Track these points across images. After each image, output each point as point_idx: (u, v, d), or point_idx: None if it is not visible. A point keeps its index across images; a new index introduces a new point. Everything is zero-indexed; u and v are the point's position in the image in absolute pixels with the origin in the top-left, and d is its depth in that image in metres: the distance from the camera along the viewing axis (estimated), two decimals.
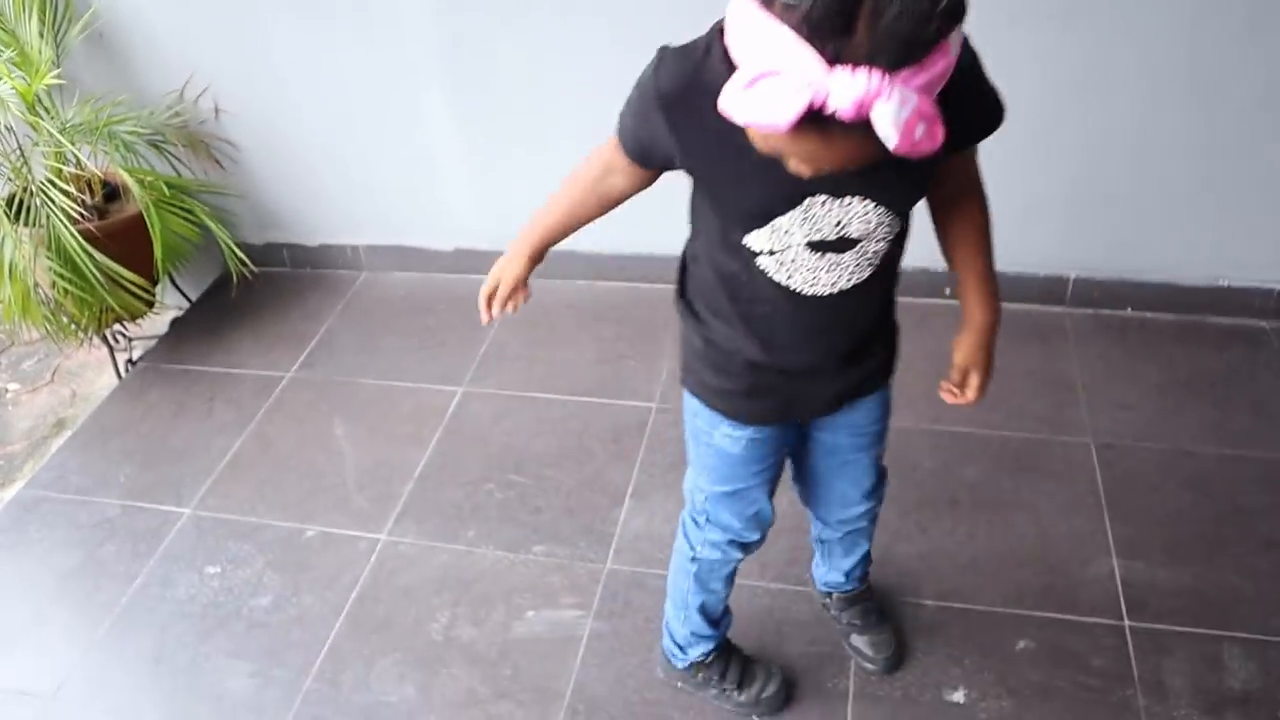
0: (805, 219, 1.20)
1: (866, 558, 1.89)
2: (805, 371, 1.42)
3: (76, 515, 2.39)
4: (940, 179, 1.29)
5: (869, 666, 1.91)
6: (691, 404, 1.53)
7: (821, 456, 1.64)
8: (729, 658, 1.88)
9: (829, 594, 1.97)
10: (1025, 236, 2.66)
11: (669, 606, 1.83)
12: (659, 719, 1.86)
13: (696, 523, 1.67)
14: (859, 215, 1.20)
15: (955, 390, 1.47)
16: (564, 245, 3.03)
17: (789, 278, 1.27)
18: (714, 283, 1.36)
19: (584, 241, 2.75)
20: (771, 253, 1.26)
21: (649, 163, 1.31)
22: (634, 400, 2.53)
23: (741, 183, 1.20)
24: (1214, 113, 2.38)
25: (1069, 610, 1.99)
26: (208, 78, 2.80)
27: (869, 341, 1.43)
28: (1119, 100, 2.40)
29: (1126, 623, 1.95)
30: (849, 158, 0.97)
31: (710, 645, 1.84)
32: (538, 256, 1.56)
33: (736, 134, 1.02)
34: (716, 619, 1.82)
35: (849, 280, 1.28)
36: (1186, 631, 1.93)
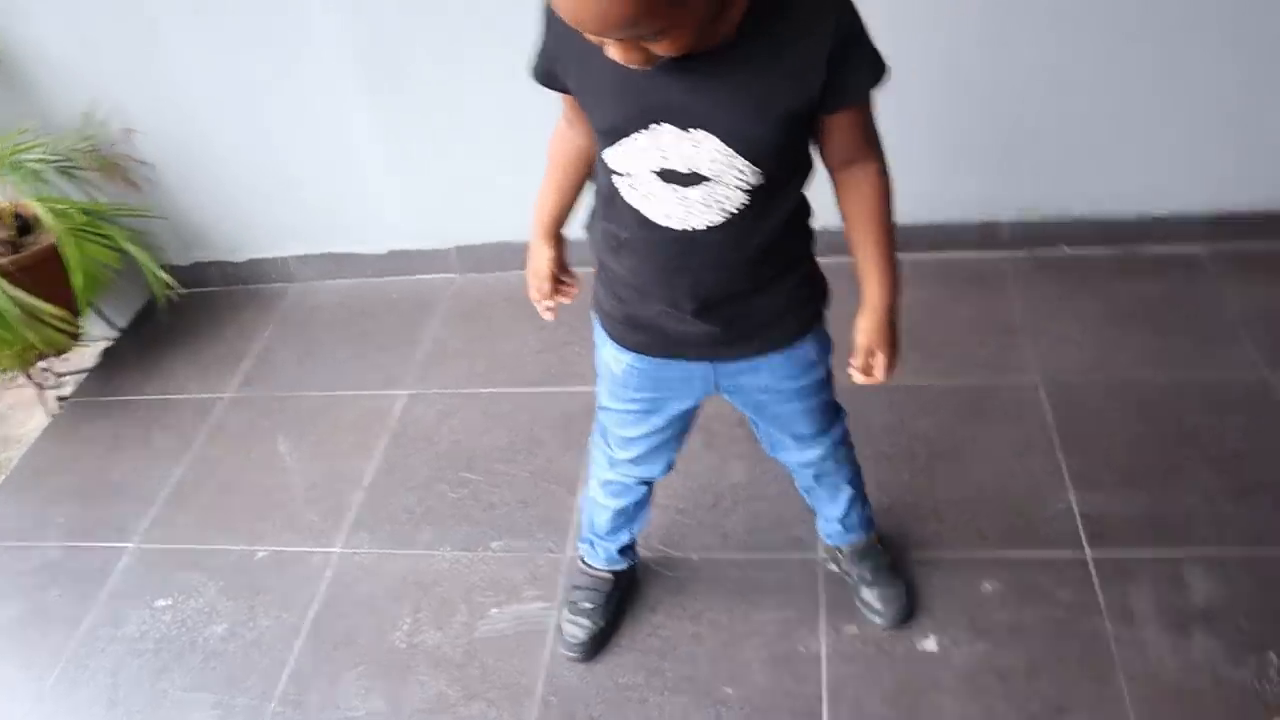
0: (654, 146, 1.24)
1: (859, 504, 1.86)
2: (670, 308, 1.42)
3: (14, 563, 2.30)
4: (825, 141, 1.31)
5: (877, 620, 1.90)
6: (593, 319, 1.58)
7: (749, 409, 1.64)
8: (590, 586, 1.93)
9: (838, 549, 1.95)
10: (956, 184, 2.66)
11: None
12: (635, 703, 1.83)
13: (597, 422, 1.74)
14: (709, 153, 1.22)
15: (862, 372, 1.48)
16: (492, 238, 3.03)
17: (643, 203, 1.31)
18: (599, 203, 1.41)
19: (515, 231, 2.73)
20: (626, 174, 1.29)
21: (553, 83, 1.35)
22: (581, 386, 2.49)
23: (599, 97, 1.27)
24: (1131, 43, 2.39)
25: (1032, 547, 1.99)
26: (115, 99, 2.71)
27: (743, 293, 1.40)
28: (1034, 38, 2.40)
29: (1089, 553, 1.96)
30: (629, 55, 1.09)
31: (589, 551, 1.93)
32: (553, 237, 1.59)
33: (596, 48, 1.12)
34: (598, 529, 1.88)
35: (702, 220, 1.29)
36: (1147, 555, 1.94)
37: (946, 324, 2.53)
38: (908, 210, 2.63)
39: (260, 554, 2.21)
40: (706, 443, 2.29)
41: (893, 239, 1.40)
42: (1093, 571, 1.93)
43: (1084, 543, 1.98)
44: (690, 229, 1.31)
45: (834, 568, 1.98)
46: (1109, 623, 1.84)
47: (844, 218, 1.40)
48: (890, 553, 1.95)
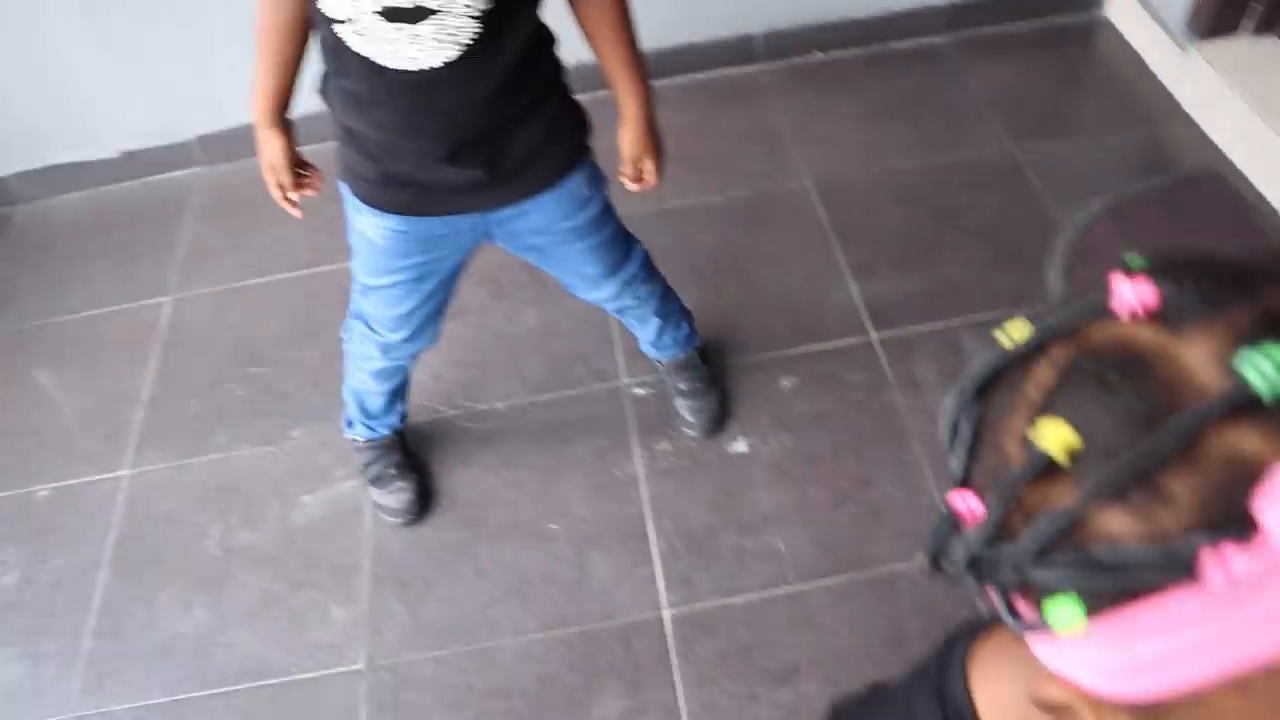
0: None
1: (674, 326, 1.86)
2: (424, 158, 1.35)
3: None
4: None
5: (689, 432, 1.94)
6: (343, 190, 1.47)
7: (528, 255, 1.60)
8: (380, 456, 1.91)
9: (659, 362, 1.97)
10: (704, 1, 2.64)
11: None
12: (465, 557, 1.83)
13: (351, 310, 1.68)
14: None
15: (635, 181, 1.51)
16: (236, 121, 2.79)
17: (373, 49, 1.23)
18: (327, 61, 1.31)
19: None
20: (348, 20, 1.21)
21: None
22: None
23: None
24: None
25: (821, 339, 2.07)
26: None
27: (501, 130, 1.36)
28: None
29: (873, 335, 2.06)
30: None
31: (367, 433, 1.89)
32: (280, 122, 1.47)
33: None
34: (372, 413, 1.84)
35: (437, 57, 1.23)
36: (925, 329, 2.06)
37: (713, 141, 2.55)
38: (663, 34, 2.63)
39: (41, 493, 2.05)
40: (494, 293, 2.26)
41: (638, 48, 1.40)
42: (879, 352, 2.04)
43: (868, 327, 2.08)
44: (427, 68, 1.24)
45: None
46: (899, 396, 1.96)
47: (588, 36, 1.38)
48: (712, 364, 1.99)
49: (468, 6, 1.19)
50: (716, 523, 1.83)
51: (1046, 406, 0.37)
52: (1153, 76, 2.56)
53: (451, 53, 1.23)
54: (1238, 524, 0.31)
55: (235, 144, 2.71)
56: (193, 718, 1.70)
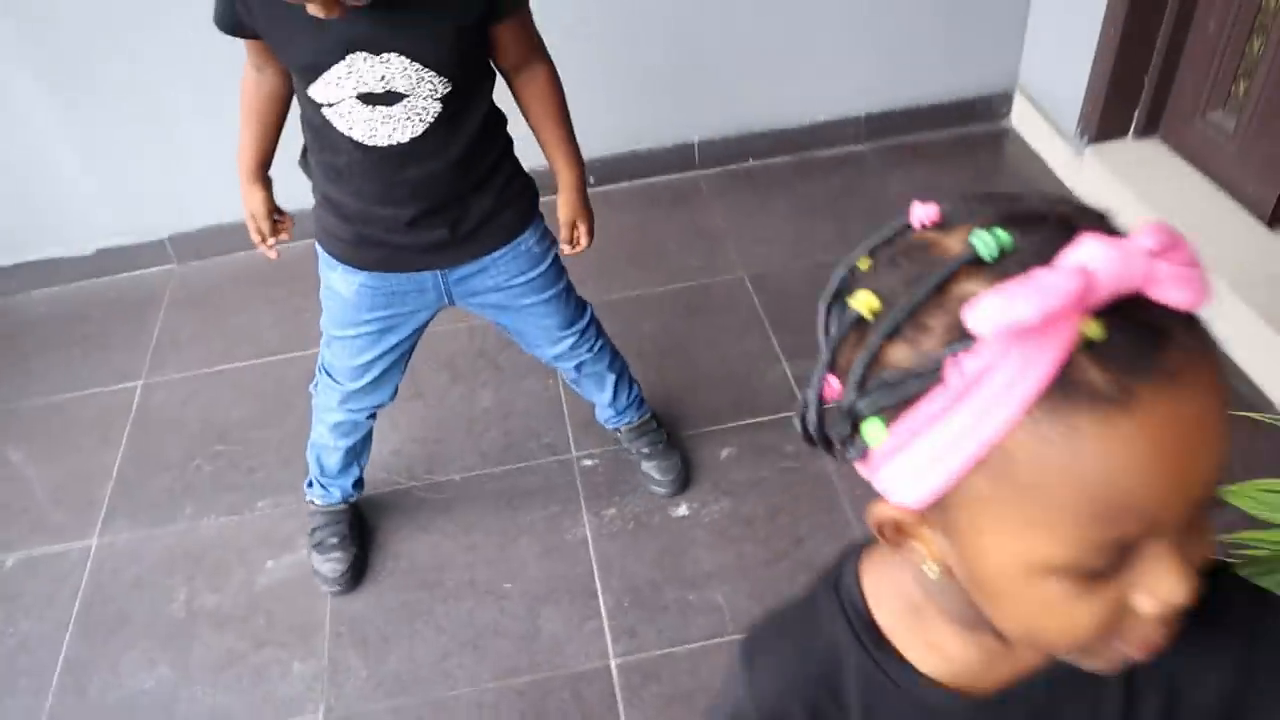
0: (351, 72, 1.38)
1: (626, 387, 2.02)
2: (396, 222, 1.55)
3: None
4: (498, 50, 1.51)
5: (658, 490, 2.08)
6: (319, 251, 1.66)
7: (492, 314, 1.79)
8: (327, 523, 2.01)
9: (618, 431, 2.11)
10: (647, 112, 2.89)
11: None
12: (422, 615, 1.93)
13: (318, 363, 1.84)
14: (399, 71, 1.39)
15: (570, 244, 1.72)
16: (205, 221, 2.97)
17: (351, 129, 1.44)
18: (310, 139, 1.53)
19: (227, 212, 2.73)
20: (331, 104, 1.42)
21: (241, 30, 1.43)
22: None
23: (293, 36, 1.38)
24: None
25: (757, 414, 2.24)
26: None
27: (461, 196, 1.57)
28: None
29: None
30: (329, 9, 1.26)
31: (322, 494, 2.00)
32: (261, 179, 1.68)
33: None
34: (329, 471, 1.96)
35: (406, 133, 1.45)
36: None
37: (657, 240, 2.76)
38: (609, 144, 2.87)
39: (9, 562, 2.13)
40: (452, 378, 2.40)
41: (570, 127, 1.64)
42: None
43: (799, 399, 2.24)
44: (398, 143, 1.46)
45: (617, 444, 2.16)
46: (830, 462, 2.11)
47: (527, 116, 1.63)
48: (665, 429, 2.14)
49: (431, 90, 1.42)
50: (660, 579, 1.95)
51: (863, 284, 0.53)
52: (1052, 175, 2.84)
53: (419, 129, 1.45)
54: (966, 339, 0.47)
55: (204, 242, 2.88)
56: None
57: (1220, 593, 0.62)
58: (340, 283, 1.66)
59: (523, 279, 1.71)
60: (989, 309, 0.44)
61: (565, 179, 1.67)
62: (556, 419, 2.27)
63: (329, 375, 1.81)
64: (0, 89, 2.52)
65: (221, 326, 2.67)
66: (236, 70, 1.55)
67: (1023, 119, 3.02)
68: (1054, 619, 0.52)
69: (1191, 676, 0.63)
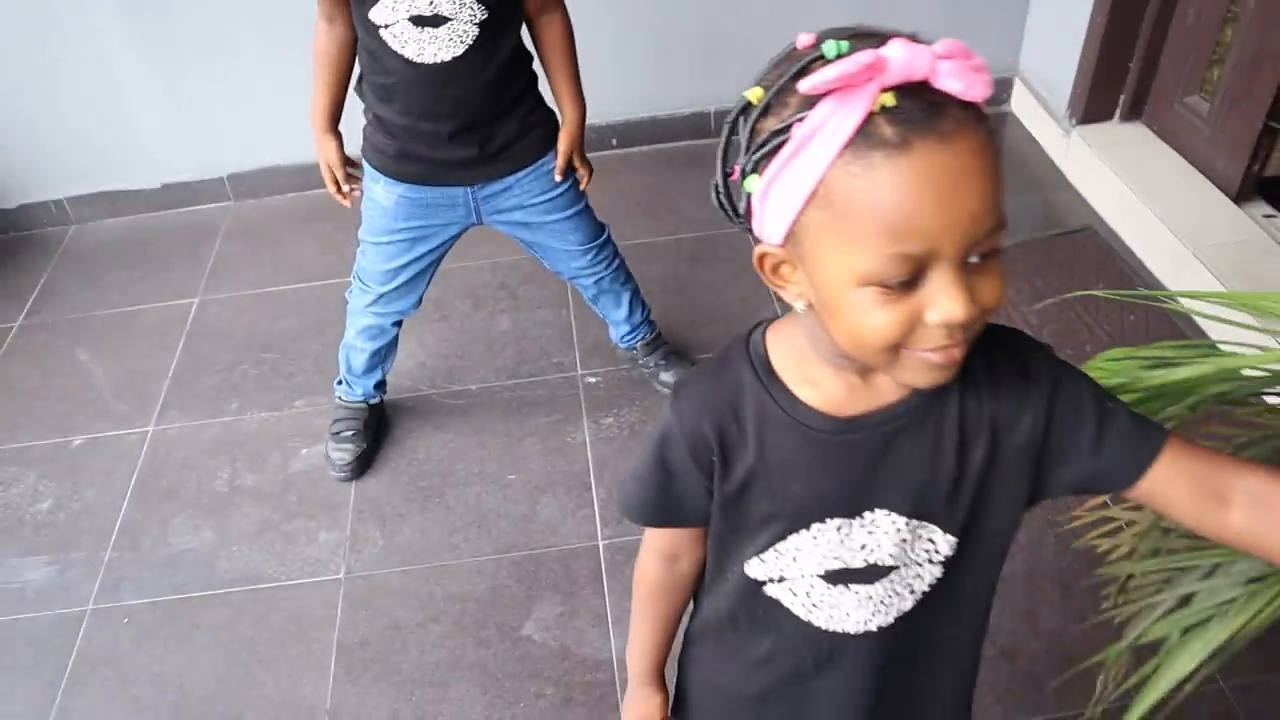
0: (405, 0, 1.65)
1: (640, 305, 2.28)
2: (436, 137, 1.81)
3: None
4: None
5: None
6: (366, 167, 1.92)
7: (518, 232, 2.02)
8: (347, 416, 2.25)
9: (632, 349, 2.34)
10: (666, 82, 3.12)
11: None
12: (434, 498, 2.18)
13: (355, 272, 2.08)
14: None
15: (562, 175, 1.94)
16: (262, 163, 3.24)
17: (403, 47, 1.71)
18: (366, 64, 1.79)
19: (283, 155, 3.00)
20: (386, 26, 1.69)
21: None
22: None
23: None
24: None
25: None
26: None
27: (491, 119, 1.82)
28: None
29: None
30: None
31: (348, 392, 2.25)
32: (333, 129, 1.94)
33: None
34: (355, 370, 2.21)
35: (449, 53, 1.71)
36: None
37: (669, 197, 2.99)
38: (631, 109, 3.11)
39: (76, 442, 2.40)
40: (475, 305, 2.66)
41: (577, 72, 1.91)
42: None
43: None
44: (441, 61, 1.72)
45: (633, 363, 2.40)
46: None
47: (541, 58, 1.90)
48: (673, 342, 2.38)
49: (471, 15, 1.68)
50: None
51: (756, 84, 0.75)
52: (1045, 155, 3.04)
53: (459, 50, 1.71)
54: (808, 108, 0.69)
55: (259, 183, 3.16)
56: (195, 611, 2.01)
57: (1031, 355, 0.85)
58: (382, 194, 1.92)
59: (545, 198, 1.96)
60: (813, 77, 0.67)
61: (569, 116, 1.93)
62: (566, 342, 2.51)
63: (362, 280, 2.07)
64: (86, 33, 2.81)
65: (271, 255, 2.94)
66: (299, 19, 1.81)
67: (1021, 104, 3.23)
68: (868, 323, 0.72)
69: (1009, 420, 0.84)
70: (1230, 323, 1.19)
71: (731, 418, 0.87)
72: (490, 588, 2.00)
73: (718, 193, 0.78)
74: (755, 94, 0.73)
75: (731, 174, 0.76)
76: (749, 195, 0.74)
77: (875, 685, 1.00)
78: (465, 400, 2.40)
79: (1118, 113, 2.90)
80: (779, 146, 0.69)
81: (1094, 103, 2.89)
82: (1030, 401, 0.83)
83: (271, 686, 1.87)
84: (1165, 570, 1.18)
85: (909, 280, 0.69)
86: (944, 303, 0.70)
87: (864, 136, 0.66)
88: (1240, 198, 2.59)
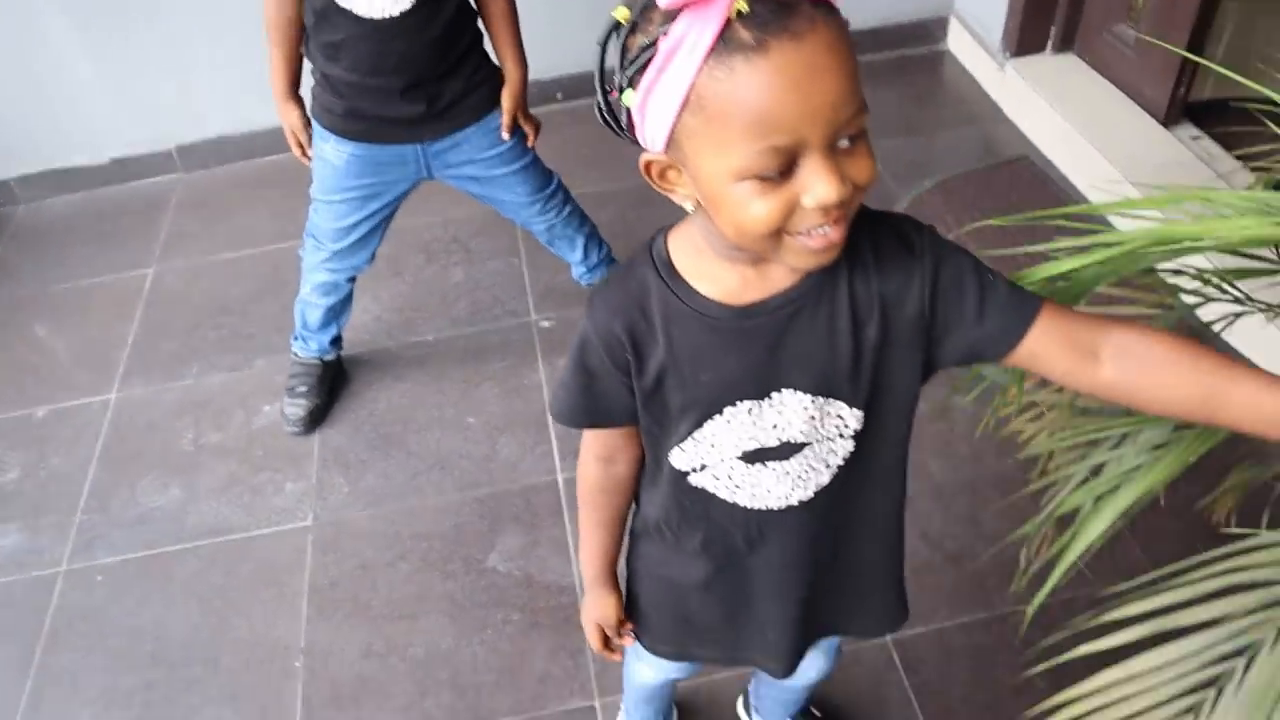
0: None
1: (596, 246, 2.33)
2: (382, 94, 1.85)
3: None
4: None
5: None
6: (315, 126, 1.95)
7: (468, 186, 2.07)
8: (301, 373, 2.29)
9: (591, 285, 2.38)
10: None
11: None
12: (396, 443, 2.23)
13: (307, 230, 2.12)
14: None
15: (509, 131, 1.99)
16: (210, 133, 3.26)
17: (351, 4, 1.73)
18: (313, 24, 1.82)
19: (230, 124, 3.02)
20: None
21: None
22: None
23: None
24: None
25: None
26: None
27: (438, 76, 1.87)
28: None
29: None
30: None
31: (303, 348, 2.29)
32: (294, 97, 1.98)
33: None
34: (310, 326, 2.25)
35: (397, 7, 1.74)
36: None
37: (616, 147, 2.94)
38: (579, 63, 3.12)
39: (39, 413, 2.43)
40: (428, 259, 2.70)
41: (519, 33, 1.96)
42: None
43: None
44: (389, 16, 1.76)
45: None
46: None
47: (485, 19, 1.94)
48: None
49: None
50: None
51: (621, 3, 0.80)
52: (981, 90, 3.11)
53: (406, 4, 1.74)
54: (672, 19, 0.73)
55: (208, 153, 3.17)
56: (168, 565, 2.06)
57: (915, 235, 0.91)
58: (332, 153, 1.95)
59: (493, 152, 2.00)
60: None
61: (511, 75, 1.98)
62: (519, 290, 2.56)
63: (315, 238, 2.11)
64: (22, 11, 2.80)
65: (224, 223, 2.96)
66: None
67: (957, 42, 3.30)
68: (750, 214, 0.78)
69: (897, 297, 0.90)
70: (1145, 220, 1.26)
71: (640, 316, 0.92)
72: (454, 525, 2.06)
73: (601, 111, 0.83)
74: (621, 13, 0.77)
75: (610, 92, 0.81)
76: (628, 109, 0.79)
77: (807, 558, 1.07)
78: (423, 350, 2.44)
79: (1049, 44, 2.98)
80: (648, 61, 0.74)
81: (1026, 36, 2.97)
82: (916, 278, 0.89)
83: (246, 630, 1.93)
84: (1079, 446, 1.26)
85: (783, 170, 0.75)
86: (817, 186, 0.75)
87: (724, 43, 0.71)
88: (1169, 121, 2.68)
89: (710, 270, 0.90)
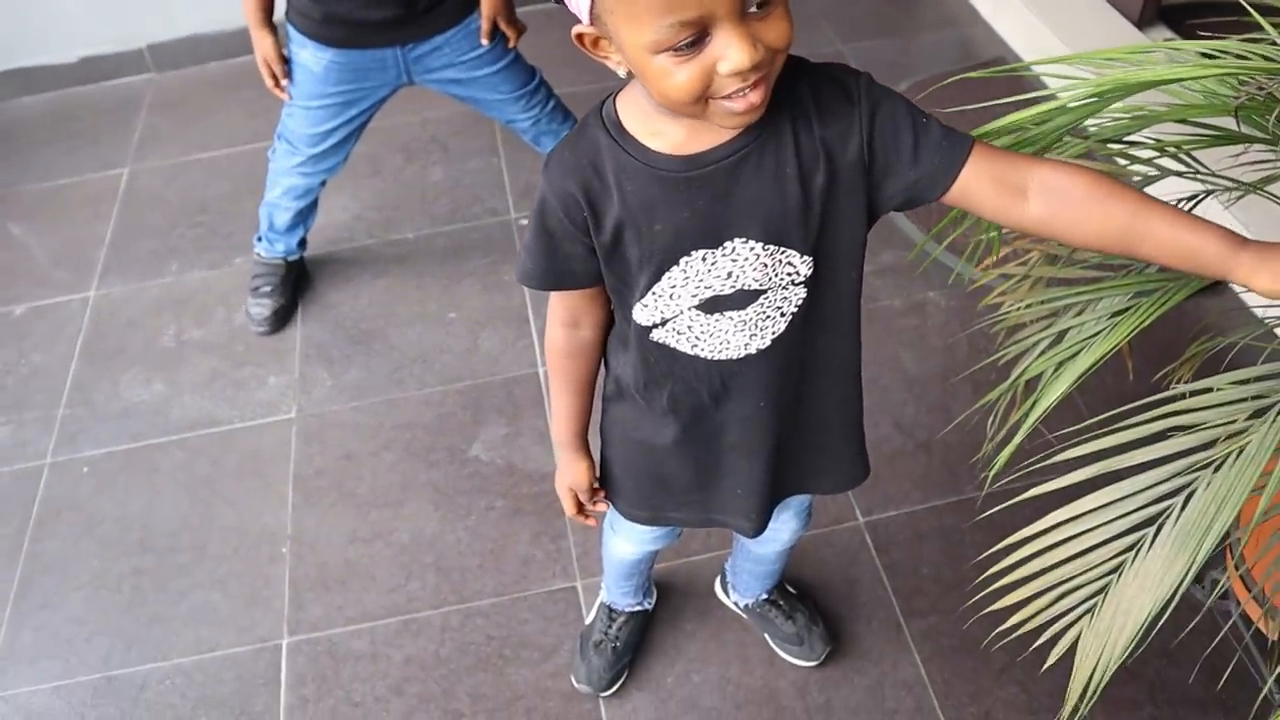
0: None
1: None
2: (360, 4, 1.82)
3: None
4: None
5: None
6: (291, 32, 1.92)
7: (452, 89, 2.06)
8: (266, 273, 2.30)
9: None
10: None
11: None
12: (378, 336, 2.25)
13: (278, 131, 2.11)
14: None
15: (489, 38, 1.97)
16: (182, 32, 3.20)
17: None
18: None
19: (203, 23, 2.97)
20: None
21: None
22: None
23: None
24: None
25: None
26: None
27: None
28: None
29: None
30: None
31: (268, 249, 2.29)
32: (268, 25, 1.94)
33: None
34: (278, 228, 2.25)
35: None
36: None
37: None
38: None
39: (18, 311, 2.43)
40: (407, 158, 2.69)
41: None
42: None
43: None
44: None
45: None
46: None
47: None
48: None
49: None
50: None
51: None
52: None
53: None
54: None
55: (181, 52, 3.12)
56: (153, 457, 2.09)
57: (852, 82, 0.93)
58: (310, 59, 1.93)
59: (474, 54, 1.99)
60: None
61: None
62: (498, 188, 2.57)
63: (289, 142, 2.09)
64: None
65: (198, 124, 2.93)
66: None
67: None
68: (671, 83, 0.82)
69: (840, 143, 0.93)
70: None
71: (593, 174, 0.96)
72: (437, 416, 2.10)
73: None
74: None
75: None
76: None
77: (771, 409, 1.11)
78: (403, 248, 2.45)
79: None
80: None
81: None
82: (855, 123, 0.93)
83: (233, 517, 1.97)
84: (1044, 318, 1.30)
85: (695, 40, 0.79)
86: (731, 53, 0.80)
87: None
88: (1143, 23, 2.68)
89: (656, 127, 0.93)
